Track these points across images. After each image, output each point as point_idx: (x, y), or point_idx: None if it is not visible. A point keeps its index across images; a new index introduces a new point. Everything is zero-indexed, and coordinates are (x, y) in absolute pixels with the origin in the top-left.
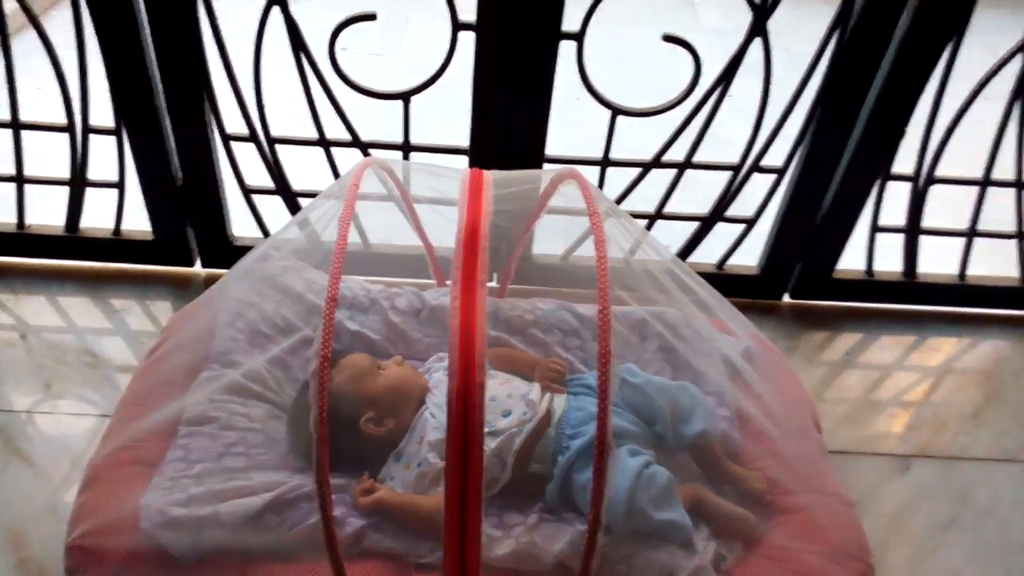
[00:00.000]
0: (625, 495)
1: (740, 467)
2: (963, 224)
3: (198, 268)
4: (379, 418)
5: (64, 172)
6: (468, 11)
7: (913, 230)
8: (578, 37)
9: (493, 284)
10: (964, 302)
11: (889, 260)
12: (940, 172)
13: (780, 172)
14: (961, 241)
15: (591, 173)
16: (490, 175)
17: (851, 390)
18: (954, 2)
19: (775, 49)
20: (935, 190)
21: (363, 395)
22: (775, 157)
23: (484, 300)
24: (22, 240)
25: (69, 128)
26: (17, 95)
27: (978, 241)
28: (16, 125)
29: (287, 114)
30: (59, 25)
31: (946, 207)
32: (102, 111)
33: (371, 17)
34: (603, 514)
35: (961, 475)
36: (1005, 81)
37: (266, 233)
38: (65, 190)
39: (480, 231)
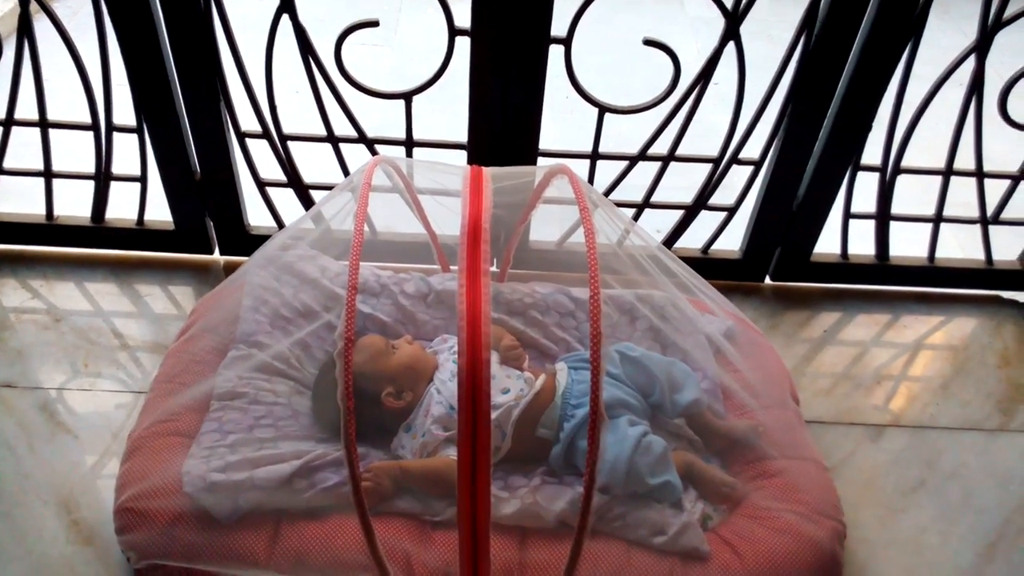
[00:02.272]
0: (626, 461)
1: (727, 421)
2: (932, 208)
3: (217, 255)
4: (398, 392)
5: (89, 166)
6: (463, 16)
7: (883, 217)
8: (566, 42)
9: (494, 269)
10: (934, 283)
11: (863, 244)
12: (910, 159)
13: (757, 164)
14: (930, 225)
15: (582, 166)
16: (488, 172)
17: (829, 365)
18: (909, 11)
19: (759, 38)
20: (906, 175)
21: (382, 372)
22: (753, 149)
23: (488, 287)
24: (51, 230)
25: (94, 127)
26: (45, 95)
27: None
28: (44, 124)
29: (294, 106)
30: (65, 16)
31: (918, 191)
32: (124, 109)
33: (374, 24)
34: (599, 475)
35: (929, 443)
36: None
37: (280, 222)
38: (91, 184)
39: (481, 225)
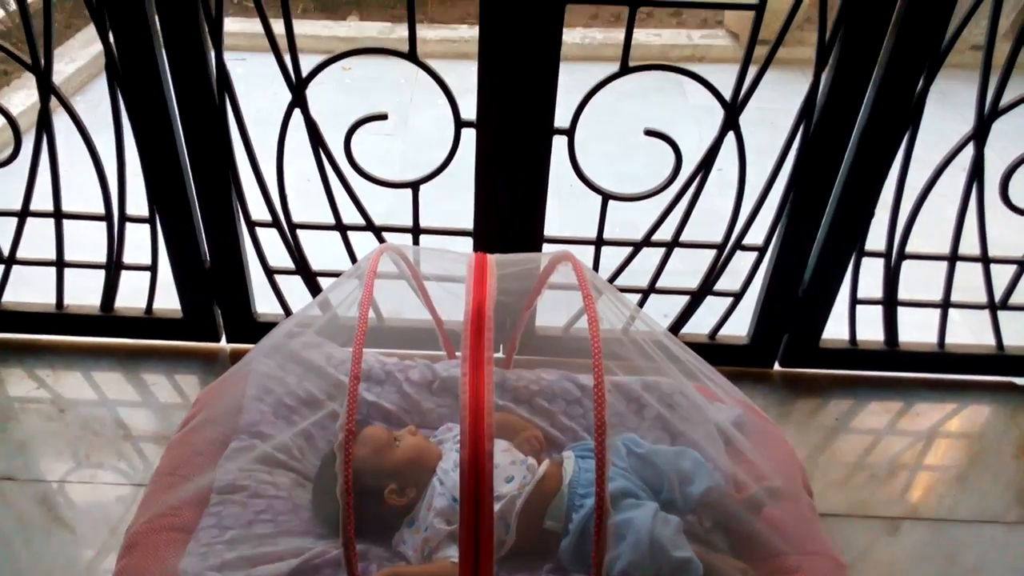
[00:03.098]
0: (647, 533)
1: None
2: (940, 292)
3: (223, 344)
4: (401, 489)
5: (100, 254)
6: (470, 108)
7: (891, 302)
8: (569, 132)
9: (500, 355)
10: (945, 369)
11: (872, 329)
12: (914, 244)
13: (761, 250)
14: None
15: (587, 252)
16: (493, 259)
17: (843, 454)
18: (907, 100)
19: (759, 125)
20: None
21: (384, 468)
22: (757, 234)
23: (491, 376)
24: (61, 320)
25: (107, 217)
26: (60, 186)
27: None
28: (59, 215)
29: (304, 193)
30: (85, 111)
31: (924, 275)
32: (136, 199)
33: (383, 117)
34: (620, 559)
35: (949, 536)
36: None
37: (287, 309)
38: (101, 272)
39: (485, 312)
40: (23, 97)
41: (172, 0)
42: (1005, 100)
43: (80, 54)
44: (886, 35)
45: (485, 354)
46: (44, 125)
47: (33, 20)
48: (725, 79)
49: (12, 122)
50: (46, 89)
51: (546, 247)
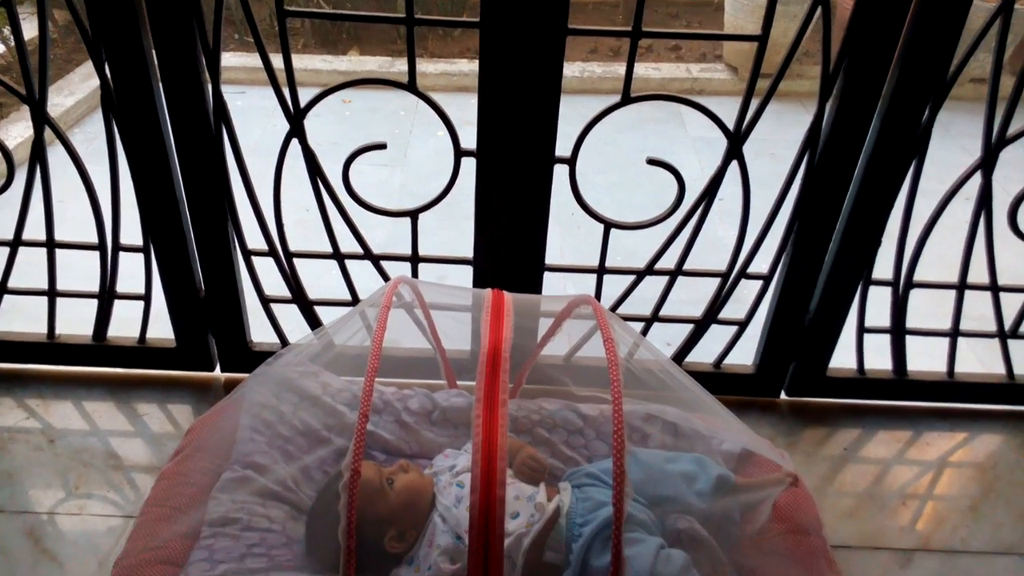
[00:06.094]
0: (647, 572)
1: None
2: (948, 321)
3: (218, 373)
4: (400, 533)
5: (92, 282)
6: (468, 139)
7: (899, 331)
8: (570, 161)
9: None
10: (955, 398)
11: (880, 358)
12: (922, 273)
13: (766, 279)
14: (947, 339)
15: (588, 281)
16: (510, 299)
17: (852, 485)
18: (912, 130)
19: (760, 156)
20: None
21: (381, 515)
22: (762, 262)
23: (506, 418)
24: (52, 349)
25: (100, 246)
26: (53, 215)
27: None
28: (51, 244)
29: (300, 222)
30: (80, 142)
31: (933, 304)
32: (130, 227)
33: (382, 146)
34: None
35: (961, 568)
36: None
37: (283, 338)
38: (94, 302)
39: (501, 354)
40: (21, 129)
41: (169, 33)
42: (1012, 130)
43: (79, 87)
44: (891, 65)
45: (500, 396)
46: (37, 155)
47: (30, 55)
48: (725, 111)
49: (5, 152)
50: (40, 120)
51: (547, 275)
